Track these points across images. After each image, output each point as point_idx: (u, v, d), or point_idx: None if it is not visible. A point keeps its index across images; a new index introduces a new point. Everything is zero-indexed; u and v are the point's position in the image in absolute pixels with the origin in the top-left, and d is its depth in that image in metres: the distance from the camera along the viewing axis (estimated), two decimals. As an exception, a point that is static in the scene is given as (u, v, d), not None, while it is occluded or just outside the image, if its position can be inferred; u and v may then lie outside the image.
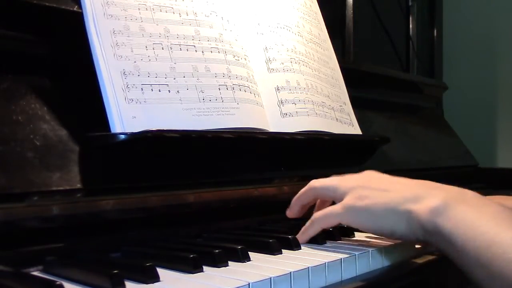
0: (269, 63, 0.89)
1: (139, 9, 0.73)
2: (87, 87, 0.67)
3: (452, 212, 0.59)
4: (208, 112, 0.73)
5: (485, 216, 0.59)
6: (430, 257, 0.71)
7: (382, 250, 0.67)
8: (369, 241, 0.73)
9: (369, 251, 0.65)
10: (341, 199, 0.69)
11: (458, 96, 1.81)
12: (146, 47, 0.71)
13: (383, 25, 1.51)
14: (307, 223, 0.70)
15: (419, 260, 0.70)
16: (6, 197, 0.56)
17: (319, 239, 0.70)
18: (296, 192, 0.75)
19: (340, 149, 0.97)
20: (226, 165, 0.79)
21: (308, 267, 0.56)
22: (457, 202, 0.60)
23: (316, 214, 0.70)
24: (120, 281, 0.49)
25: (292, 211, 0.76)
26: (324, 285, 0.58)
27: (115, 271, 0.50)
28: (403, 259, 0.70)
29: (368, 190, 0.66)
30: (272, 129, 0.83)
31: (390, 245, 0.69)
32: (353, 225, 0.67)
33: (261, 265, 0.58)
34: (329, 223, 0.70)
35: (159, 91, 0.70)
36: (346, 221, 0.68)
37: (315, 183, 0.74)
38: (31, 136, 0.61)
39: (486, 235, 0.56)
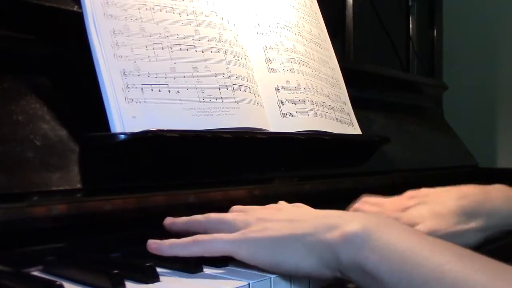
0: (269, 63, 0.89)
1: (139, 9, 0.73)
2: (87, 87, 0.67)
3: (377, 241, 0.48)
4: (208, 112, 0.73)
5: (420, 244, 0.47)
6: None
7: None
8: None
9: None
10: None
11: (458, 96, 1.81)
12: (146, 47, 0.71)
13: (383, 25, 1.51)
14: (186, 240, 0.56)
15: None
16: (6, 197, 0.56)
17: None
18: (296, 192, 0.75)
19: (340, 149, 0.97)
20: (226, 165, 0.79)
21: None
22: (380, 228, 0.49)
23: (202, 236, 0.56)
24: (120, 281, 0.49)
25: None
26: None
27: (115, 271, 0.50)
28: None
29: (271, 222, 0.55)
30: (272, 129, 0.83)
31: None
32: (248, 259, 0.54)
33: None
34: (215, 251, 0.55)
35: (159, 91, 0.70)
36: (238, 253, 0.54)
37: (211, 216, 0.60)
38: (31, 136, 0.61)
39: (426, 268, 0.45)
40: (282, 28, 0.94)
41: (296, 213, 0.58)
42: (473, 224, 0.71)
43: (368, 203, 0.78)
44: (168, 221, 0.63)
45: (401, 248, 0.47)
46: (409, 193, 0.79)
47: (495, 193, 0.75)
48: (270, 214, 0.58)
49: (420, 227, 0.70)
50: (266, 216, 0.57)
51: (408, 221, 0.71)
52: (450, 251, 0.47)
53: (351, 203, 0.80)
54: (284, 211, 0.60)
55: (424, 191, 0.79)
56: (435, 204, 0.74)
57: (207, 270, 0.56)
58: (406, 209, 0.75)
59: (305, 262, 0.51)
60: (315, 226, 0.52)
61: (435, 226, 0.70)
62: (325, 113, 0.93)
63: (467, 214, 0.72)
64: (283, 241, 0.53)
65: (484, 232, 0.72)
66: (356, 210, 0.78)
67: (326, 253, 0.50)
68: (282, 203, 0.65)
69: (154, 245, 0.57)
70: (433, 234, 0.67)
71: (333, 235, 0.50)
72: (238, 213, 0.61)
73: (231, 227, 0.57)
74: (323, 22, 1.06)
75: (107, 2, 0.70)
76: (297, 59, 0.93)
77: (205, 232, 0.59)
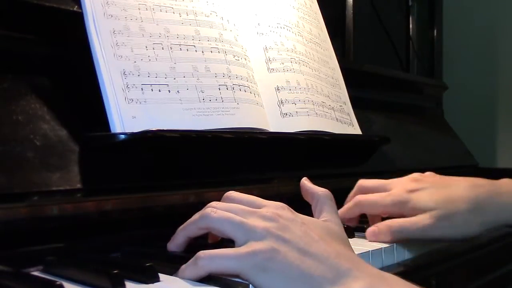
0: (269, 63, 0.89)
1: (139, 9, 0.73)
2: (87, 87, 0.67)
3: None
4: (208, 112, 0.73)
5: None
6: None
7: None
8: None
9: None
10: (245, 242, 0.52)
11: (458, 96, 1.81)
12: (146, 47, 0.71)
13: (383, 25, 1.51)
14: (189, 264, 0.53)
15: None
16: (6, 197, 0.56)
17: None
18: (296, 192, 0.74)
19: (340, 149, 0.97)
20: (226, 165, 0.79)
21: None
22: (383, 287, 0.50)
23: (204, 255, 0.52)
24: (120, 281, 0.49)
25: (175, 243, 0.60)
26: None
27: (115, 271, 0.50)
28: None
29: (282, 246, 0.51)
30: (272, 129, 0.83)
31: None
32: (256, 284, 0.50)
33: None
34: (222, 270, 0.52)
35: (159, 91, 0.70)
36: (246, 275, 0.51)
37: (212, 214, 0.56)
38: (31, 136, 0.61)
39: None
40: (282, 28, 0.94)
41: (306, 238, 0.53)
42: (482, 217, 0.71)
43: (366, 191, 0.78)
44: (171, 245, 0.60)
45: None
46: (415, 175, 0.78)
47: (506, 187, 0.74)
48: (279, 228, 0.53)
49: (432, 213, 0.70)
50: (276, 230, 0.53)
51: (416, 205, 0.71)
52: None
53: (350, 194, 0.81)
54: (293, 230, 0.54)
55: (430, 174, 0.78)
56: (446, 189, 0.73)
57: (207, 270, 0.56)
58: (414, 191, 0.73)
59: None
60: (323, 270, 0.50)
61: (444, 212, 0.70)
62: (325, 113, 0.93)
63: (479, 204, 0.71)
64: (291, 276, 0.50)
65: (489, 225, 0.72)
66: (357, 203, 0.77)
67: None
68: (285, 209, 0.58)
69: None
70: (442, 220, 0.69)
71: None
72: (242, 217, 0.55)
73: (236, 233, 0.54)
74: (323, 22, 1.06)
75: (107, 2, 0.70)
76: (297, 59, 0.93)
77: (208, 229, 0.57)
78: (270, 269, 0.50)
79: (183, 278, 0.53)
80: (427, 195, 0.72)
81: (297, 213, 0.58)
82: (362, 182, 0.80)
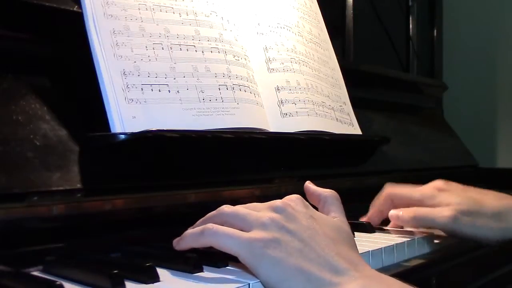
0: (269, 63, 0.89)
1: (139, 9, 0.73)
2: (87, 87, 0.67)
3: None
4: (208, 112, 0.73)
5: None
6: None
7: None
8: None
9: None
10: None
11: (458, 96, 1.81)
12: (146, 47, 0.71)
13: (383, 25, 1.51)
14: (196, 230, 0.56)
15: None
16: (6, 197, 0.56)
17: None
18: (297, 192, 0.74)
19: (340, 149, 0.97)
20: (226, 165, 0.79)
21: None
22: None
23: (212, 227, 0.55)
24: (120, 281, 0.49)
25: (183, 245, 0.58)
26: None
27: (115, 271, 0.50)
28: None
29: (288, 235, 0.53)
30: (272, 129, 0.83)
31: None
32: (249, 267, 0.52)
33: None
34: (221, 246, 0.54)
35: (159, 91, 0.70)
36: (242, 257, 0.52)
37: (226, 208, 0.58)
38: (31, 136, 0.61)
39: None
40: (282, 28, 0.94)
41: (311, 233, 0.54)
42: (502, 224, 0.74)
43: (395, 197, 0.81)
44: (177, 243, 0.59)
45: None
46: (438, 183, 0.81)
47: None
48: (285, 219, 0.54)
49: (455, 206, 0.73)
50: (281, 221, 0.54)
51: (443, 201, 0.75)
52: None
53: (377, 195, 0.83)
54: (299, 221, 0.55)
55: (456, 184, 0.82)
56: (473, 193, 0.77)
57: (207, 270, 0.56)
58: (442, 190, 0.77)
59: None
60: (322, 268, 0.51)
61: (468, 208, 0.73)
62: (325, 113, 0.93)
63: (501, 212, 0.75)
64: (287, 269, 0.50)
65: (509, 234, 0.75)
66: (388, 194, 0.81)
67: None
68: (299, 200, 0.59)
69: (174, 242, 0.59)
70: (464, 216, 0.73)
71: None
72: (252, 211, 0.57)
73: (245, 224, 0.55)
74: (323, 22, 1.06)
75: (107, 2, 0.70)
76: (297, 59, 0.93)
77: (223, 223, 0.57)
78: (268, 257, 0.51)
79: (185, 240, 0.57)
80: (453, 194, 0.77)
81: (311, 207, 0.59)
82: (389, 189, 0.83)
